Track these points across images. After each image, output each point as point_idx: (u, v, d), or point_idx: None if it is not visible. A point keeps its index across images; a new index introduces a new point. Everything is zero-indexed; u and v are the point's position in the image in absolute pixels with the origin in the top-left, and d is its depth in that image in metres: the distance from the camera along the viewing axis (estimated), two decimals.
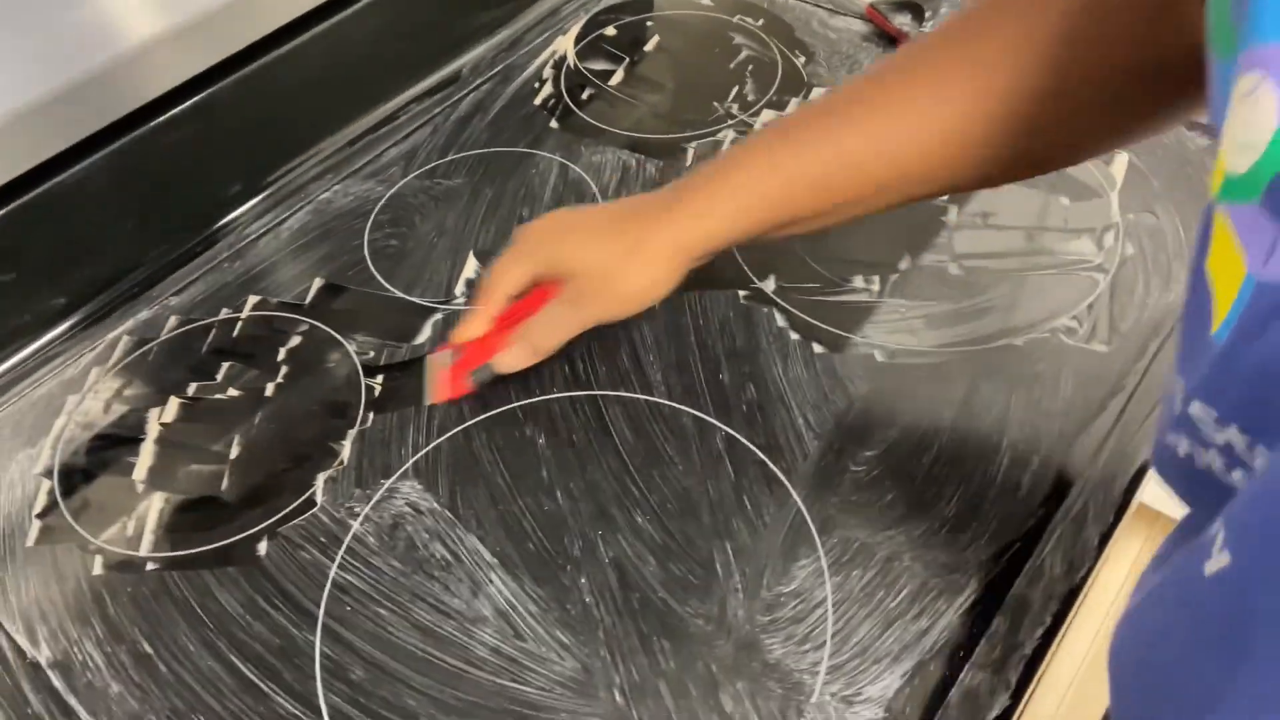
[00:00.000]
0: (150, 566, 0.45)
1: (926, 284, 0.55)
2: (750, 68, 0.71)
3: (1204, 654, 0.20)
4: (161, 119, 0.56)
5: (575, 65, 0.73)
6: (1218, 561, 0.20)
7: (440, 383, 0.50)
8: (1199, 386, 0.23)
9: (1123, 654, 0.25)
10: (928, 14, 0.70)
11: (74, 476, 0.49)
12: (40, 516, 0.47)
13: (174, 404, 0.52)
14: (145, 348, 0.55)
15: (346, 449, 0.49)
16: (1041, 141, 0.39)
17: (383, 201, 0.63)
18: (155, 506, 0.47)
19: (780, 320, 0.53)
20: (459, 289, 0.57)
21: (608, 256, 0.44)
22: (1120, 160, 0.61)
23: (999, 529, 0.43)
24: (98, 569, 0.45)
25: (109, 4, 0.52)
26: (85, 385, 0.53)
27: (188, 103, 0.57)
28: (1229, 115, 0.21)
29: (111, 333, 0.56)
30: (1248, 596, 0.19)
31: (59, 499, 0.48)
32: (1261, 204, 0.20)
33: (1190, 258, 0.24)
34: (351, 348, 0.54)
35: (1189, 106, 0.38)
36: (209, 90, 0.58)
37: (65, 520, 0.47)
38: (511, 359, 0.48)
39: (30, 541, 0.46)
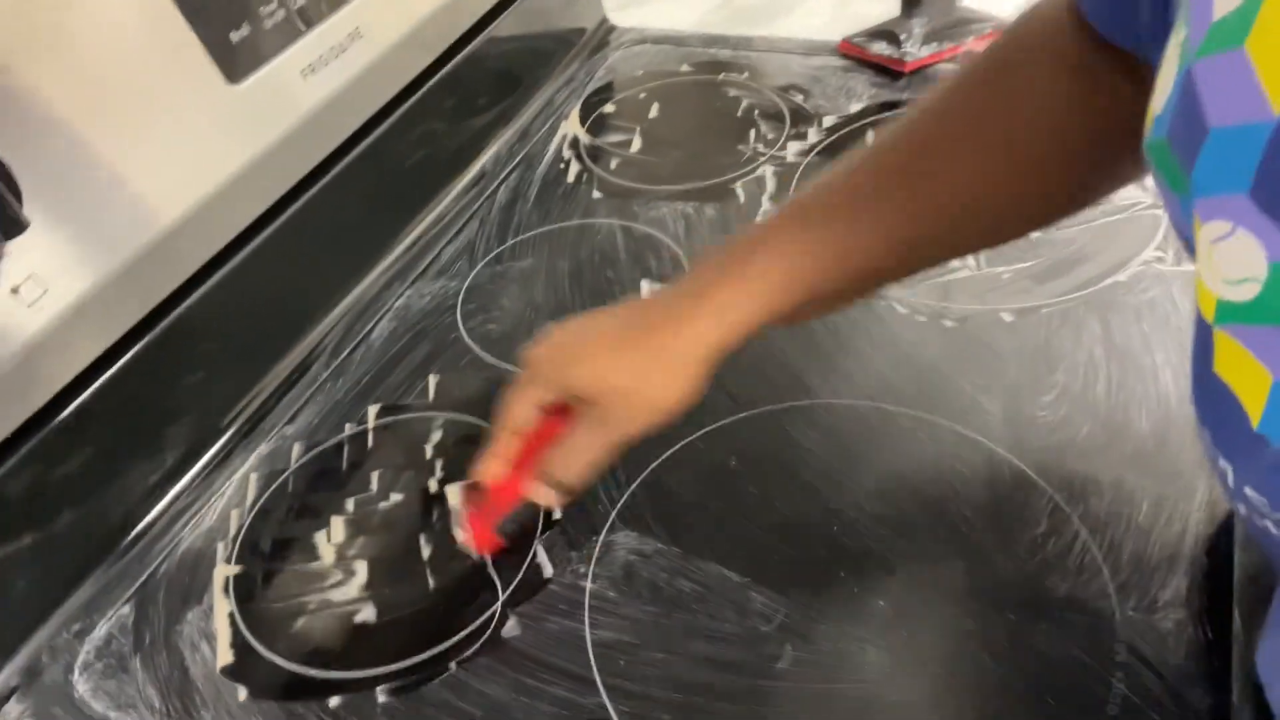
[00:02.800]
0: (384, 691, 0.42)
1: (1013, 250, 0.58)
2: (756, 112, 0.76)
3: None
4: (235, 261, 0.55)
5: (590, 142, 0.76)
6: None
7: (472, 534, 0.45)
8: (1251, 477, 0.25)
9: None
10: (903, 37, 0.76)
11: (261, 619, 0.45)
12: (235, 674, 0.43)
13: (339, 523, 0.49)
14: (280, 479, 0.52)
15: (540, 518, 0.48)
16: (1035, 205, 0.41)
17: (462, 293, 0.63)
18: (368, 625, 0.44)
19: (901, 309, 0.56)
20: None
21: (630, 371, 0.40)
22: None
23: (1199, 430, 0.46)
24: (334, 703, 0.42)
25: (191, 151, 0.51)
26: (231, 530, 0.50)
27: (255, 240, 0.56)
28: (1202, 253, 0.24)
29: (237, 474, 0.53)
30: None
31: (257, 646, 0.44)
32: None
33: (1191, 363, 0.27)
34: None
35: (1130, 177, 0.41)
36: (273, 225, 0.57)
37: (273, 665, 0.43)
38: (540, 497, 0.42)
39: (241, 698, 0.43)
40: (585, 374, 0.40)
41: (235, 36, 0.50)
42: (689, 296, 0.40)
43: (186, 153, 0.48)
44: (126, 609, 0.47)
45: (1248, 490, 0.25)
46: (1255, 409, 0.24)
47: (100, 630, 0.46)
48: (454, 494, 0.50)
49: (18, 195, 0.39)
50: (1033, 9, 0.41)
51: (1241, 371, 0.24)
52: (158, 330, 0.51)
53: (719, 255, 0.41)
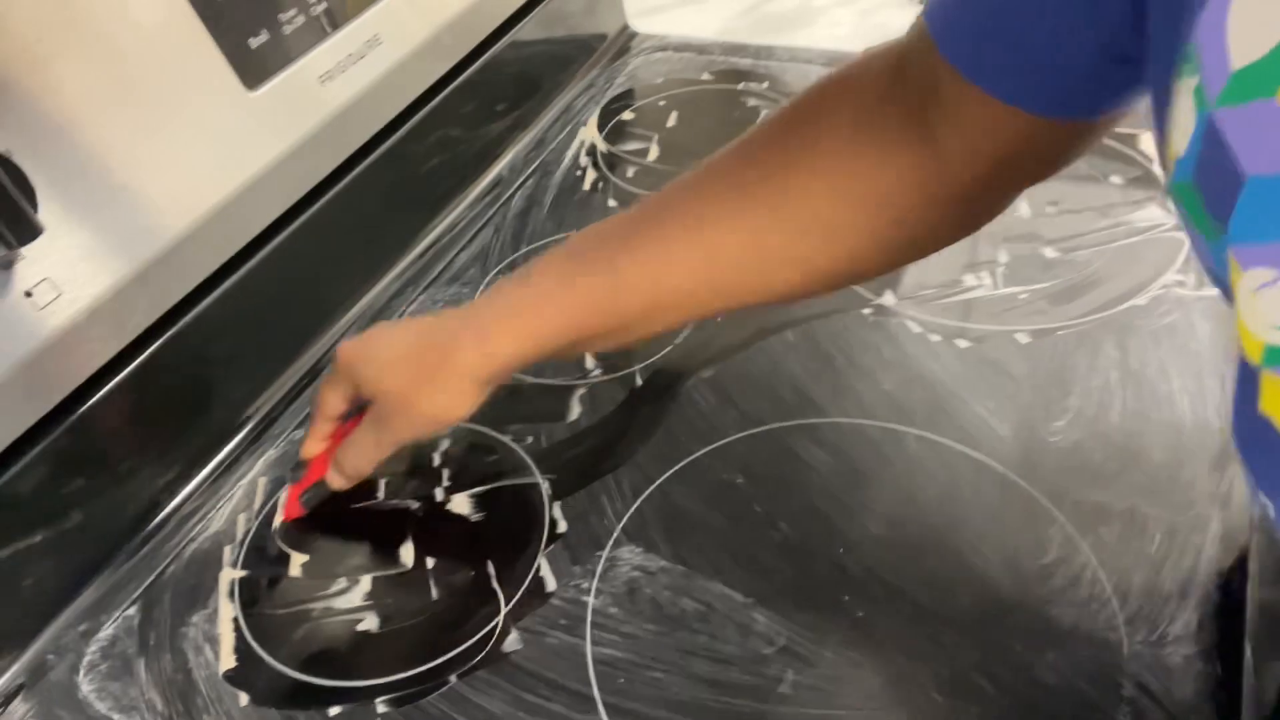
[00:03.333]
0: (383, 702, 0.42)
1: (1031, 270, 0.58)
2: None
3: None
4: (249, 265, 0.55)
5: (608, 150, 0.76)
6: None
7: (285, 502, 0.50)
8: None
9: None
10: None
11: (265, 625, 0.46)
12: (237, 680, 0.44)
13: (345, 530, 0.49)
14: (288, 483, 0.52)
15: (545, 531, 0.47)
16: (820, 263, 0.42)
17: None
18: (370, 634, 0.44)
19: (915, 327, 0.55)
20: (589, 362, 0.57)
21: (407, 381, 0.45)
22: (1146, 138, 0.66)
23: (1214, 461, 0.45)
24: (334, 712, 0.42)
25: (207, 156, 0.51)
26: (238, 534, 0.50)
27: (269, 245, 0.56)
28: (1243, 299, 0.24)
29: (245, 479, 0.53)
30: None
31: (259, 651, 0.44)
32: None
33: (1233, 401, 0.27)
34: (507, 439, 0.53)
35: (971, 221, 0.42)
36: (289, 229, 0.57)
37: (275, 671, 0.44)
38: (331, 481, 0.49)
39: (242, 704, 0.43)
40: (370, 376, 0.46)
41: (254, 43, 0.50)
42: (465, 324, 0.45)
43: (202, 158, 0.49)
44: (133, 610, 0.47)
45: None
46: None
47: (106, 631, 0.46)
48: (460, 503, 0.50)
49: (32, 200, 0.39)
50: (865, 56, 0.41)
51: None
52: (170, 334, 0.51)
53: (501, 287, 0.45)
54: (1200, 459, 0.46)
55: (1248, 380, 0.25)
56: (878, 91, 0.39)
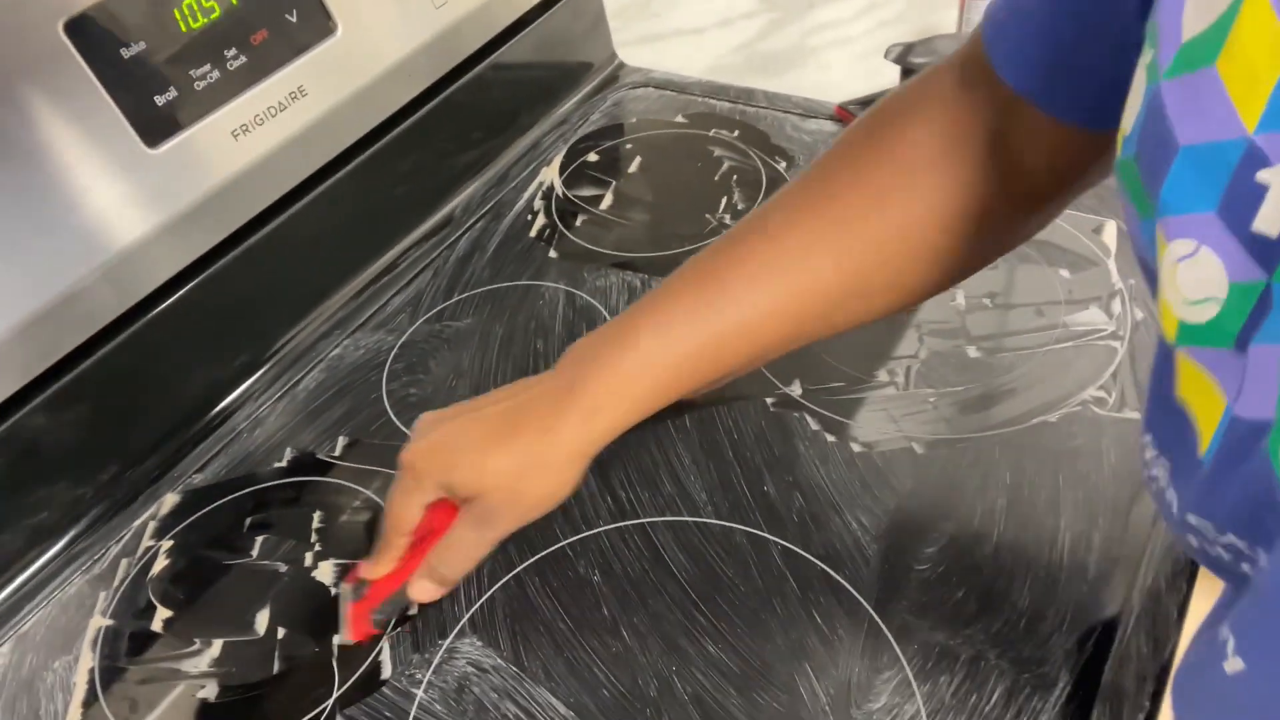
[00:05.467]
0: None
1: (949, 370, 0.55)
2: (735, 178, 0.73)
3: None
4: (161, 308, 0.56)
5: (564, 194, 0.75)
6: (1233, 665, 0.22)
7: (349, 621, 0.46)
8: (1193, 503, 0.25)
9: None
10: None
11: (117, 679, 0.47)
12: None
13: (213, 588, 0.50)
14: (172, 532, 0.54)
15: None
16: (920, 282, 0.43)
17: (395, 350, 0.63)
18: (206, 703, 0.45)
19: (813, 424, 0.53)
20: None
21: (506, 471, 0.42)
22: (1110, 228, 0.63)
23: (1077, 615, 0.43)
24: None
25: (97, 215, 0.52)
26: (116, 580, 0.52)
27: (185, 288, 0.57)
28: (1165, 274, 0.23)
29: (136, 520, 0.55)
30: (1268, 706, 0.21)
31: (104, 707, 0.46)
32: (1234, 349, 0.22)
33: (1149, 387, 0.27)
34: None
35: (1039, 225, 0.44)
36: (205, 273, 0.58)
37: None
38: (421, 594, 0.45)
39: None
40: (466, 475, 0.42)
41: (160, 100, 0.51)
42: (562, 394, 0.42)
43: (94, 218, 0.50)
44: (7, 648, 0.49)
45: (1191, 518, 0.25)
46: (1206, 434, 0.24)
47: None
48: (325, 571, 0.50)
49: None
50: (923, 75, 0.43)
51: (1200, 395, 0.24)
52: (65, 380, 0.52)
53: (594, 346, 0.43)
54: (1065, 611, 0.43)
55: (1164, 363, 0.25)
56: (950, 109, 0.40)
